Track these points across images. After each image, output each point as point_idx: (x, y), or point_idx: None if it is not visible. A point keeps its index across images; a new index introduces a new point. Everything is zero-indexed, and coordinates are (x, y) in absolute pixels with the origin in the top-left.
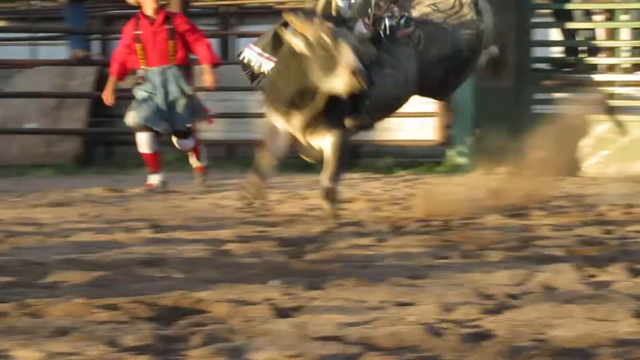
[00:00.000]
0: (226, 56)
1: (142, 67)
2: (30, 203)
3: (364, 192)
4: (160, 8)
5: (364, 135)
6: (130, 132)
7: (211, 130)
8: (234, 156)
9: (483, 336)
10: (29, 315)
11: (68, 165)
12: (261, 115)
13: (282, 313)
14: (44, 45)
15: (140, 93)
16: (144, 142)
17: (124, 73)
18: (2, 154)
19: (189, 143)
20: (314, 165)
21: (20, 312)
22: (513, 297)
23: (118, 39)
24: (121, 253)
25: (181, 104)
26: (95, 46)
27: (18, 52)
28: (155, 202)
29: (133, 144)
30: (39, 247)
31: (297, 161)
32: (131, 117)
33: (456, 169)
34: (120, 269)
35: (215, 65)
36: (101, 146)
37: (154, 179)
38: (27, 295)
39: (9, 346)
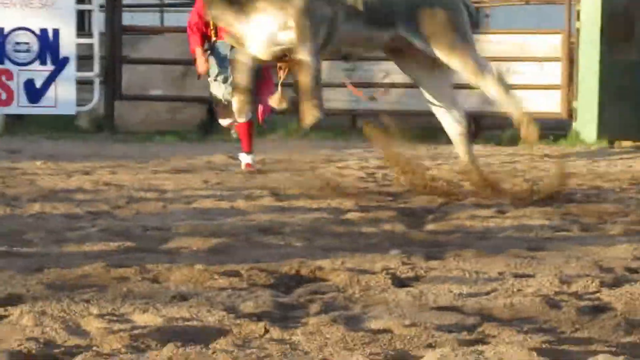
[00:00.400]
0: None
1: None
2: (153, 169)
3: (485, 164)
4: None
5: (487, 107)
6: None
7: (335, 100)
8: (356, 125)
9: (601, 309)
10: (149, 281)
11: (192, 132)
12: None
13: (401, 282)
14: (171, 13)
15: (213, 68)
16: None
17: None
18: (127, 120)
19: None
20: (436, 135)
21: (141, 277)
22: (632, 270)
23: None
24: (242, 220)
25: None
26: None
27: (146, 18)
28: (278, 170)
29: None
30: (160, 213)
31: (419, 132)
32: (220, 91)
33: (580, 142)
34: (241, 236)
35: None
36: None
37: (249, 159)
38: (148, 260)
39: (129, 310)
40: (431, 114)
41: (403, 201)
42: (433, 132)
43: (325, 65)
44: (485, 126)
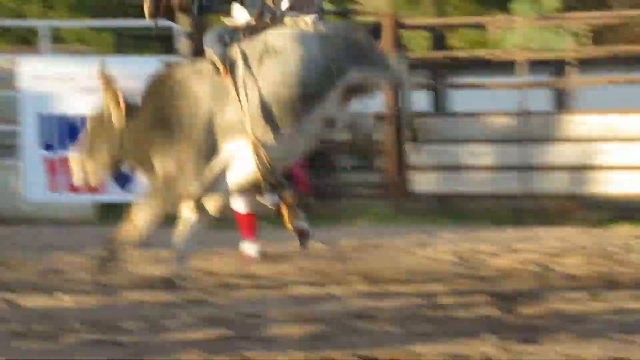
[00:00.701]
0: (437, 108)
1: None
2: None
3: (578, 246)
4: None
5: (579, 188)
6: (346, 186)
7: (423, 183)
8: (447, 209)
9: None
10: None
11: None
12: (474, 168)
13: None
14: None
15: None
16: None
17: None
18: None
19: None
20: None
21: None
22: None
23: None
24: (336, 306)
25: None
26: None
27: None
28: (370, 256)
29: (348, 196)
30: (255, 299)
31: (509, 214)
32: None
33: None
34: (336, 323)
35: None
36: (316, 198)
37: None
38: (245, 348)
39: None
40: (520, 196)
41: (495, 284)
42: (521, 215)
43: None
44: (576, 207)
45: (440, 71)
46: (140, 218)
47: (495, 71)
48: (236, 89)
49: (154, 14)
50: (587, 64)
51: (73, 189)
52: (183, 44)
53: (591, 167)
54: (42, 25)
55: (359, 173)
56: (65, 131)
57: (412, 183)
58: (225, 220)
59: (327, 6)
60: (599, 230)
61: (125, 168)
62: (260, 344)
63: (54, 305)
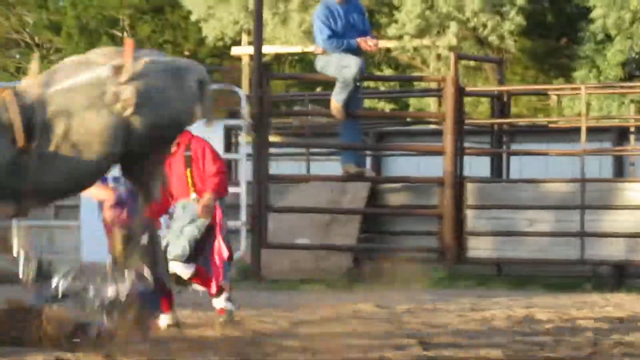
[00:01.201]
0: (500, 174)
1: None
2: (300, 318)
3: (635, 313)
4: None
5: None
6: (399, 249)
7: (480, 249)
8: (503, 274)
9: None
10: None
11: (337, 280)
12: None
13: None
14: (317, 161)
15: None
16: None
17: None
18: (272, 269)
19: None
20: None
21: None
22: None
23: (390, 155)
24: None
25: None
26: (368, 162)
27: (292, 167)
28: (424, 319)
29: (403, 260)
30: None
31: (566, 280)
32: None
33: None
34: None
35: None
36: (371, 262)
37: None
38: None
39: None
40: (575, 263)
41: (551, 350)
42: (578, 281)
43: (470, 213)
44: (630, 275)
45: (501, 137)
46: None
47: (556, 138)
48: None
49: None
50: None
51: None
52: (244, 106)
53: None
54: None
55: (416, 237)
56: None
57: (469, 248)
58: (277, 281)
59: (388, 71)
60: None
61: None
62: None
63: None
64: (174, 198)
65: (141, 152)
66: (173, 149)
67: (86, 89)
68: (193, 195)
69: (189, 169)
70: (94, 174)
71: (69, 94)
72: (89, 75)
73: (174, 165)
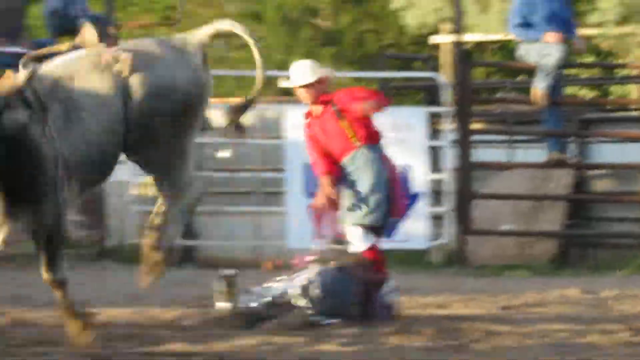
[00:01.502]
0: None
1: None
2: (505, 304)
3: None
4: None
5: None
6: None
7: None
8: None
9: None
10: None
11: (543, 266)
12: None
13: None
14: (520, 148)
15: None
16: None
17: None
18: (477, 254)
19: None
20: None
21: None
22: None
23: (594, 142)
24: (599, 356)
25: None
26: (572, 149)
27: (494, 154)
28: (632, 305)
29: (609, 246)
30: (517, 347)
31: None
32: None
33: None
34: None
35: None
36: (576, 248)
37: None
38: None
39: None
40: None
41: None
42: None
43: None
44: None
45: None
46: None
47: None
48: None
49: None
50: None
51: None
52: (446, 94)
53: None
54: None
55: (621, 223)
56: None
57: None
58: (482, 267)
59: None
60: None
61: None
62: None
63: None
64: (339, 158)
65: (152, 128)
66: (318, 110)
67: (86, 57)
68: (357, 143)
69: (343, 121)
70: (112, 142)
71: (69, 63)
72: (87, 50)
73: (328, 126)
